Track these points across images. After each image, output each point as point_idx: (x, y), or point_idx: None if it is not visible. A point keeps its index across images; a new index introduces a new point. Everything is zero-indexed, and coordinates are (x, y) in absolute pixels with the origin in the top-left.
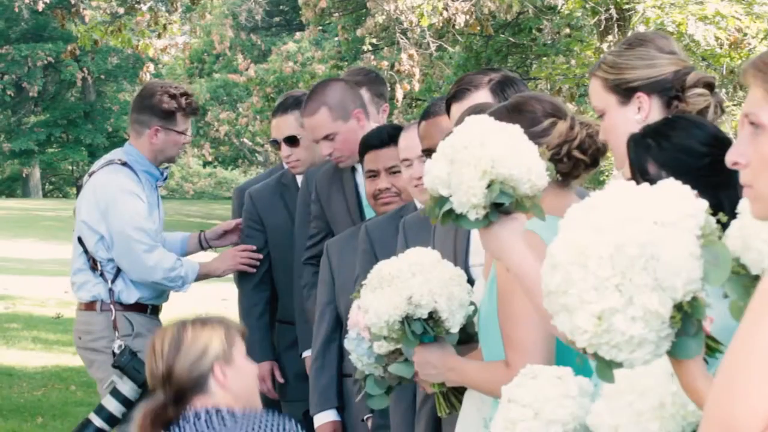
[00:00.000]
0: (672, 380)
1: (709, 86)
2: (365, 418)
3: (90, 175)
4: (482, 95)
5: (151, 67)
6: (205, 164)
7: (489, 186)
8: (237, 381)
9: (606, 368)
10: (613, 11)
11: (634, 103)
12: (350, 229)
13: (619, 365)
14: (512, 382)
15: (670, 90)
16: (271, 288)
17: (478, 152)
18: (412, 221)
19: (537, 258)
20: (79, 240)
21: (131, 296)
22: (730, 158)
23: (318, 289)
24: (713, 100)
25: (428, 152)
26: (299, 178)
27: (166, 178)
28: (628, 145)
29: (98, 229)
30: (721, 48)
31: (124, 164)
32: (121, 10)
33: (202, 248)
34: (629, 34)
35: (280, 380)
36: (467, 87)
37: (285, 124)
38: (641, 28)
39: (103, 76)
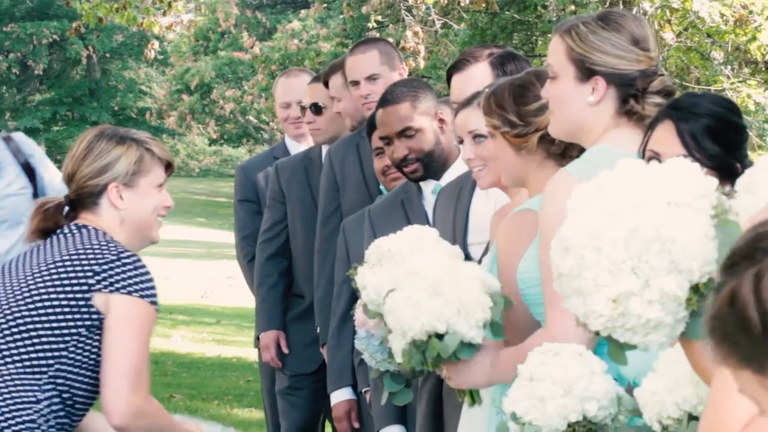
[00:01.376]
0: None
1: (669, 95)
2: (364, 390)
3: None
4: (482, 68)
5: (156, 44)
6: (211, 142)
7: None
8: (132, 208)
9: (619, 350)
10: None
11: (590, 84)
12: (366, 208)
13: (633, 347)
14: (531, 360)
15: (631, 87)
16: (288, 260)
17: (462, 274)
18: (377, 209)
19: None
20: None
21: None
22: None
23: (335, 267)
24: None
25: (385, 139)
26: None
27: None
28: (675, 119)
29: None
30: (726, 24)
31: None
32: None
33: None
34: (634, 11)
35: (285, 351)
36: (467, 58)
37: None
38: (646, 5)
39: (108, 54)
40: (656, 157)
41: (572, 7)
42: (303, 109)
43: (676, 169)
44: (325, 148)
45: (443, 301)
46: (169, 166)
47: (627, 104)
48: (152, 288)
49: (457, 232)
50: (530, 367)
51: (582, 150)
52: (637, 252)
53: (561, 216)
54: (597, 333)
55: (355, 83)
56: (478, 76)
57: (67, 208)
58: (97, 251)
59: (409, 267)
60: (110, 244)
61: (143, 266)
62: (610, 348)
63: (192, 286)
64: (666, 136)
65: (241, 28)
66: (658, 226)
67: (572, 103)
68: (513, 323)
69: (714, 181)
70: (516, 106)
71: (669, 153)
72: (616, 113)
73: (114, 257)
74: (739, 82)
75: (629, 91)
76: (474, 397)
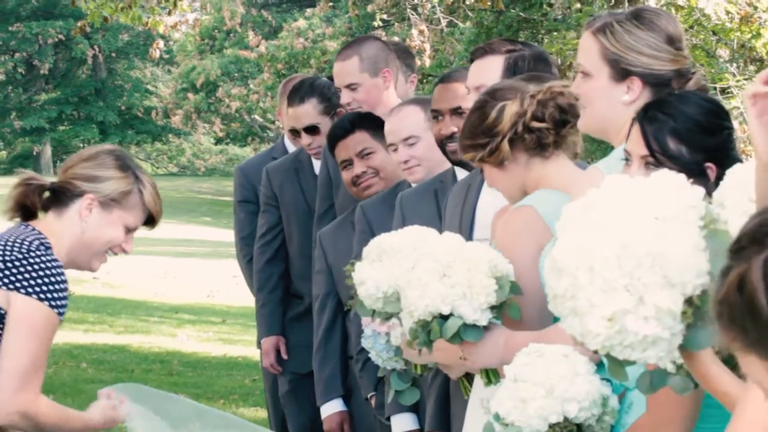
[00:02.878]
0: None
1: (703, 91)
2: (369, 396)
3: None
4: (494, 61)
5: (162, 43)
6: (217, 141)
7: (498, 283)
8: (92, 227)
9: (619, 367)
10: None
11: (625, 84)
12: (340, 218)
13: (632, 363)
14: (516, 360)
15: (667, 87)
16: (285, 263)
17: (472, 257)
18: (409, 196)
19: (530, 235)
20: None
21: None
22: None
23: (314, 280)
24: (703, 80)
25: (435, 113)
26: (315, 158)
27: None
28: (642, 120)
29: None
30: (731, 22)
31: None
32: None
33: None
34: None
35: (285, 356)
36: (486, 48)
37: (303, 113)
38: (651, 2)
39: (113, 54)
40: (628, 157)
41: (578, 5)
42: (297, 132)
43: (662, 182)
44: None
45: (450, 283)
46: (151, 221)
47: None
48: (59, 293)
49: (463, 229)
50: (515, 367)
51: (562, 127)
52: (629, 269)
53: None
54: (595, 351)
55: (339, 90)
56: (488, 69)
57: (47, 194)
58: (8, 247)
59: (426, 249)
60: (30, 245)
61: (56, 272)
62: (609, 365)
63: (198, 285)
64: (635, 136)
65: (246, 27)
66: (648, 242)
67: (606, 102)
68: (525, 314)
69: (701, 191)
70: (478, 128)
71: (636, 153)
72: None
73: (21, 256)
74: (745, 79)
75: (666, 92)
76: (491, 377)
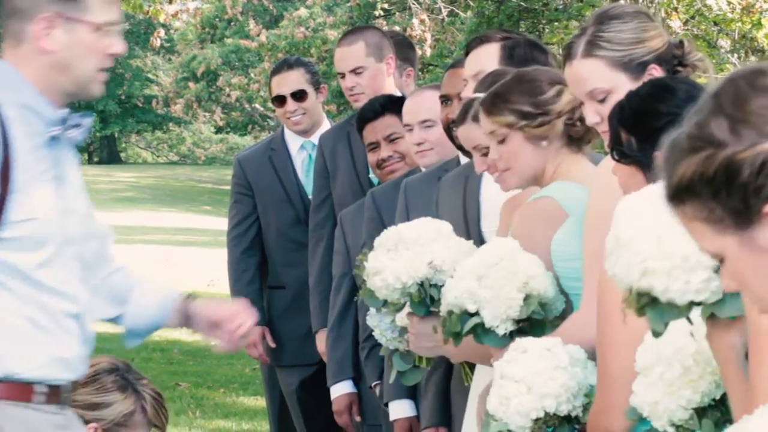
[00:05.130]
0: (692, 341)
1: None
2: (373, 384)
3: None
4: (490, 49)
5: (162, 32)
6: (217, 130)
7: (525, 300)
8: None
9: (658, 317)
10: None
11: (645, 76)
12: (363, 199)
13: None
14: (503, 357)
15: (674, 59)
16: (261, 253)
17: (513, 267)
18: (414, 183)
19: (552, 225)
20: None
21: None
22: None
23: (333, 260)
24: (709, 64)
25: (444, 98)
26: (290, 143)
27: (77, 125)
28: (609, 119)
29: None
30: (732, 12)
31: None
32: None
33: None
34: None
35: (272, 345)
36: (481, 38)
37: (292, 78)
38: None
39: None
40: None
41: None
42: (282, 99)
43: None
44: (289, 135)
45: (484, 284)
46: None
47: (676, 73)
48: None
49: (470, 220)
50: (501, 364)
51: (591, 136)
52: None
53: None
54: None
55: (342, 75)
56: (484, 56)
57: None
58: None
59: (485, 250)
60: None
61: None
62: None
63: (198, 273)
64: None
65: (247, 16)
66: None
67: None
68: None
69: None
70: (531, 97)
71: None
72: None
73: None
74: None
75: (673, 63)
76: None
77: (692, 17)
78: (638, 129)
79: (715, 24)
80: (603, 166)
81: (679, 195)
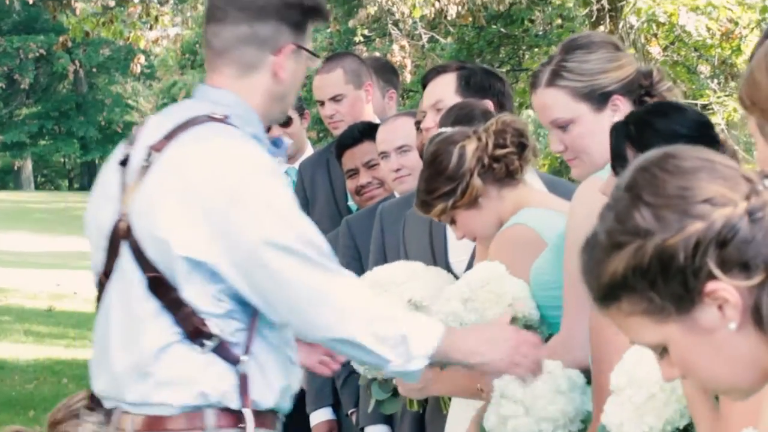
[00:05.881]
0: None
1: (663, 79)
2: (349, 412)
3: (154, 150)
4: (447, 79)
5: (143, 58)
6: None
7: (511, 322)
8: None
9: None
10: (604, 1)
11: (609, 107)
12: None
13: None
14: (504, 376)
15: (640, 88)
16: None
17: (499, 290)
18: (389, 209)
19: (529, 249)
20: (152, 283)
21: (271, 392)
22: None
23: None
24: (678, 91)
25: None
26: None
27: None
28: (611, 133)
29: (207, 255)
30: (712, 38)
31: (223, 121)
32: (113, 2)
33: None
34: (620, 25)
35: None
36: (438, 68)
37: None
38: (632, 19)
39: (95, 69)
40: None
41: (559, 21)
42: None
43: None
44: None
45: (467, 308)
46: None
47: (644, 103)
48: None
49: (437, 254)
50: (502, 383)
51: (523, 148)
52: None
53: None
54: None
55: (321, 103)
56: (441, 86)
57: None
58: None
59: (472, 274)
60: None
61: None
62: None
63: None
64: None
65: None
66: None
67: (601, 135)
68: None
69: None
70: (441, 175)
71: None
72: None
73: None
74: (726, 95)
75: (639, 92)
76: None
77: (672, 43)
78: (647, 147)
79: (695, 50)
80: (585, 188)
81: (613, 293)
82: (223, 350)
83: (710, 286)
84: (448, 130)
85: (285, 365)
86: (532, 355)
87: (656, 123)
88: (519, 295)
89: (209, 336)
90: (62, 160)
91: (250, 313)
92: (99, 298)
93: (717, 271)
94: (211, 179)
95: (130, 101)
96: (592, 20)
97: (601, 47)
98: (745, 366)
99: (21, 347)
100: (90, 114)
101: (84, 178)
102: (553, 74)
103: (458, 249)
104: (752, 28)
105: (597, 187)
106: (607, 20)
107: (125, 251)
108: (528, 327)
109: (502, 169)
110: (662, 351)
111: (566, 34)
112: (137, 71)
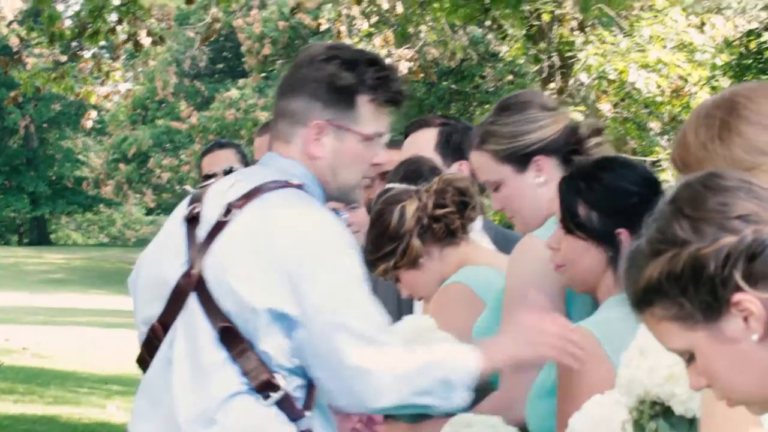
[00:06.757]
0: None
1: (599, 131)
2: None
3: (234, 207)
4: (429, 134)
5: (94, 114)
6: (148, 211)
7: None
8: None
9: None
10: (555, 59)
11: (531, 167)
12: None
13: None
14: (446, 429)
15: (567, 145)
16: None
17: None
18: None
19: (466, 308)
20: (223, 334)
21: None
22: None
23: None
24: (608, 145)
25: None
26: None
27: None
28: (560, 188)
29: (283, 309)
30: (662, 95)
31: (301, 188)
32: (64, 57)
33: None
34: (571, 82)
35: None
36: (420, 121)
37: (223, 157)
38: (583, 77)
39: (46, 124)
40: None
41: (510, 77)
42: (212, 177)
43: None
44: None
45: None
46: None
47: (571, 162)
48: None
49: (405, 312)
50: None
51: (465, 206)
52: None
53: (531, 280)
54: None
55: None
56: (422, 141)
57: None
58: None
59: (400, 326)
60: None
61: None
62: None
63: (127, 356)
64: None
65: (179, 97)
66: None
67: (527, 195)
68: None
69: None
70: (383, 237)
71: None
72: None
73: None
74: None
75: (566, 150)
76: None
77: (622, 100)
78: (604, 205)
79: (645, 106)
80: (518, 249)
81: (647, 297)
82: (287, 404)
83: (737, 296)
84: (396, 187)
85: (332, 426)
86: (559, 335)
87: (604, 178)
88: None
89: (276, 389)
90: (12, 215)
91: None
92: (148, 349)
93: (742, 282)
94: (293, 244)
95: (80, 156)
96: (543, 77)
97: (523, 108)
98: (767, 378)
99: None
100: (40, 169)
101: (33, 234)
102: (480, 137)
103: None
104: (702, 85)
105: (531, 247)
106: (558, 77)
107: (193, 303)
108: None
109: (443, 229)
110: (690, 358)
111: (517, 90)
112: (88, 126)
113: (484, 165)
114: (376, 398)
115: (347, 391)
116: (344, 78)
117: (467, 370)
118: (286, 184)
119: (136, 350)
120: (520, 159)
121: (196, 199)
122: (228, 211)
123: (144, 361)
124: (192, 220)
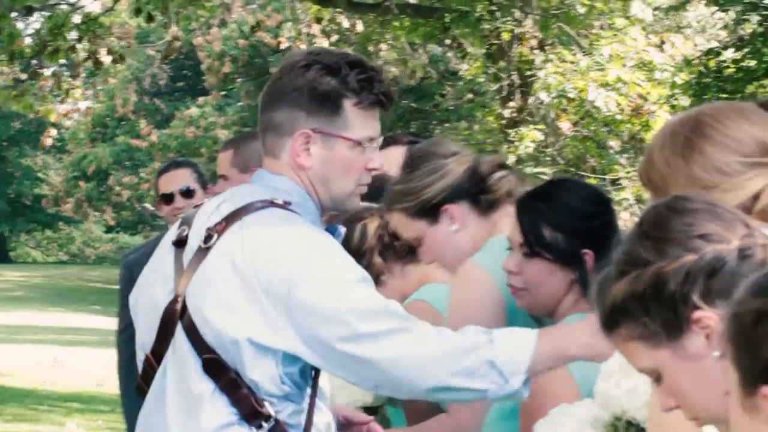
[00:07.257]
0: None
1: (504, 166)
2: None
3: (214, 232)
4: (399, 151)
5: (54, 131)
6: (108, 229)
7: None
8: None
9: None
10: (515, 77)
11: (444, 217)
12: None
13: None
14: None
15: (473, 186)
16: None
17: None
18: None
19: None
20: (208, 365)
21: None
22: None
23: None
24: (513, 176)
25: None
26: None
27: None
28: (518, 210)
29: (279, 341)
30: (622, 114)
31: (286, 206)
32: (24, 75)
33: None
34: (530, 100)
35: None
36: (389, 139)
37: (180, 176)
38: (543, 95)
39: (5, 142)
40: (510, 245)
41: (470, 95)
42: (168, 197)
43: None
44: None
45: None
46: None
47: (481, 202)
48: None
49: None
50: None
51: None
52: None
53: (471, 305)
54: None
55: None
56: (390, 158)
57: None
58: None
59: None
60: None
61: None
62: None
63: (87, 373)
64: (514, 225)
65: (139, 115)
66: None
67: (446, 244)
68: (413, 406)
69: None
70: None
71: (515, 241)
72: (481, 214)
73: None
74: (636, 170)
75: (473, 192)
76: None
77: (582, 118)
78: (568, 226)
79: (605, 125)
80: (465, 269)
81: (613, 318)
82: None
83: (697, 314)
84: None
85: None
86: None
87: (566, 198)
88: None
89: (267, 418)
90: None
91: (305, 396)
92: (144, 377)
93: (698, 300)
94: (272, 268)
95: (40, 174)
96: (503, 95)
97: (425, 161)
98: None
99: None
100: (0, 187)
101: None
102: (388, 199)
103: None
104: (661, 104)
105: (470, 271)
106: (518, 96)
107: (179, 332)
108: None
109: (404, 247)
110: (657, 378)
111: (477, 109)
112: (48, 144)
113: (400, 224)
114: (422, 379)
115: (388, 384)
116: (326, 83)
117: (521, 356)
118: (269, 204)
119: (97, 368)
120: (430, 212)
121: (186, 222)
122: (209, 236)
123: (143, 390)
124: (180, 244)
